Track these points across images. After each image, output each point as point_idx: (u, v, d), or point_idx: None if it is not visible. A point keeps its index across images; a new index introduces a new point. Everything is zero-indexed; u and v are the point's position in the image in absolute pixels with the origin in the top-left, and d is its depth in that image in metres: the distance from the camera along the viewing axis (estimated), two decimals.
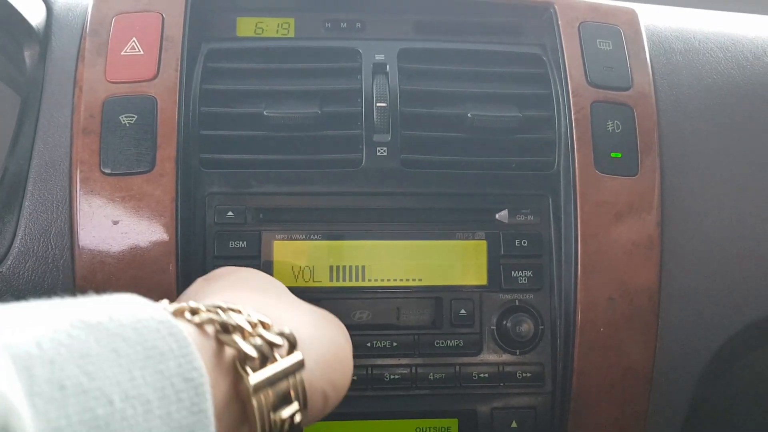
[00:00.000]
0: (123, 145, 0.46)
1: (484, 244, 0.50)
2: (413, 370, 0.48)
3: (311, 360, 0.32)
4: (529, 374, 0.49)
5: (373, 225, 0.49)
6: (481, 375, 0.49)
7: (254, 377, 0.28)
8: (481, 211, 0.50)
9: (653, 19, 0.58)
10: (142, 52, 0.48)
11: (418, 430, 0.49)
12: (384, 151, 0.49)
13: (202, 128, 0.48)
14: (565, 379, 0.48)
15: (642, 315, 0.49)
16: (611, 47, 0.53)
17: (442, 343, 0.49)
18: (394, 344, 0.48)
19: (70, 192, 0.46)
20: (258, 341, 0.29)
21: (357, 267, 0.49)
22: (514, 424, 0.49)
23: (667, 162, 0.52)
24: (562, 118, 0.51)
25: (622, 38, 0.54)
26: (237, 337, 0.29)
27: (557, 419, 0.49)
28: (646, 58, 0.53)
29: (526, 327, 0.48)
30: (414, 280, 0.49)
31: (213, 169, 0.48)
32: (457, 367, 0.48)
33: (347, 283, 0.48)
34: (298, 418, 0.30)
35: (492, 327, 0.49)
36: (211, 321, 0.29)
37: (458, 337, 0.49)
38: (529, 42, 0.55)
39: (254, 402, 0.28)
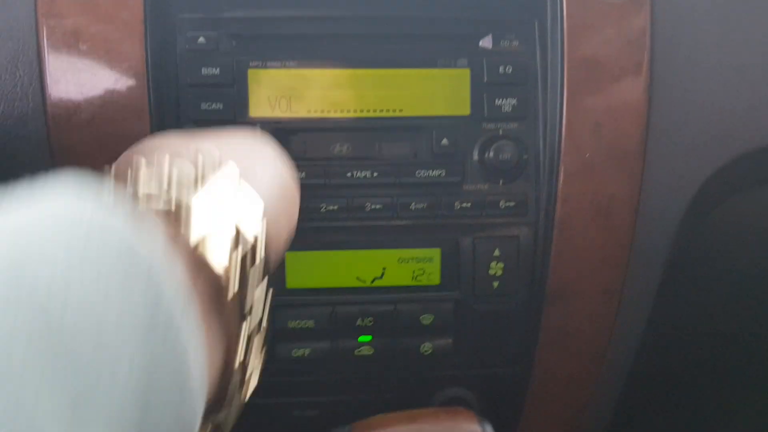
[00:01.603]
0: None
1: (467, 72, 0.48)
2: (394, 200, 0.48)
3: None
4: (512, 203, 0.48)
5: (352, 52, 0.47)
6: (464, 205, 0.48)
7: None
8: (463, 37, 0.48)
9: None
10: None
11: (400, 260, 0.49)
12: None
13: None
14: (549, 206, 0.48)
15: (629, 141, 0.48)
16: None
17: (424, 173, 0.48)
18: (375, 174, 0.48)
19: (36, 17, 0.44)
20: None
21: (335, 96, 0.47)
22: (496, 252, 0.49)
23: None
24: None
25: None
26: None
27: (540, 247, 0.49)
28: None
29: (510, 156, 0.47)
30: (394, 110, 0.48)
31: None
32: (439, 197, 0.48)
33: (326, 114, 0.47)
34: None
35: (474, 157, 0.48)
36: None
37: (440, 167, 0.48)
38: None
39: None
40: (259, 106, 0.47)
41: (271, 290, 0.31)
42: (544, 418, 0.54)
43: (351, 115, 0.47)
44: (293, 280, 0.48)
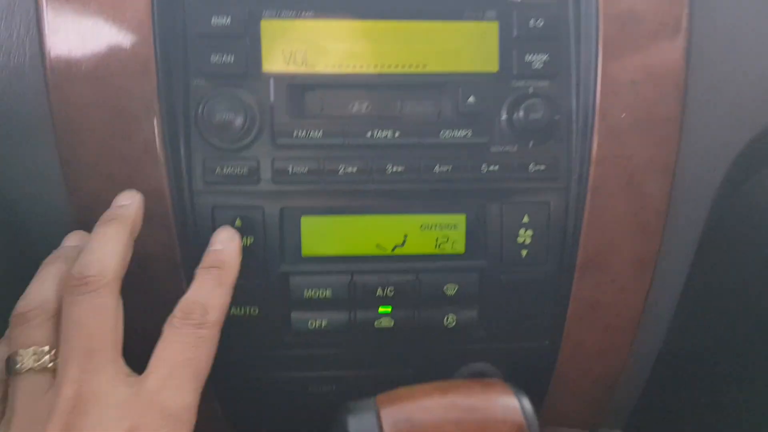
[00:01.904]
0: None
1: (495, 25, 0.45)
2: (417, 162, 0.45)
3: None
4: (542, 167, 0.45)
5: (372, 2, 0.44)
6: (491, 168, 0.45)
7: None
8: None
9: None
10: None
11: (423, 227, 0.46)
12: None
13: None
14: (582, 170, 0.45)
15: (666, 102, 0.45)
16: None
17: (449, 133, 0.45)
18: (396, 134, 0.44)
19: None
20: None
21: (354, 50, 0.44)
22: (525, 219, 0.46)
23: None
24: None
25: None
26: None
27: (572, 214, 0.46)
28: None
29: (540, 115, 0.44)
30: (417, 66, 0.45)
31: None
32: (465, 159, 0.45)
33: (344, 69, 0.44)
34: None
35: (503, 117, 0.45)
36: None
37: (466, 127, 0.45)
38: None
39: None
40: (273, 60, 0.44)
41: None
42: (571, 393, 0.52)
43: (371, 70, 0.44)
44: (309, 248, 0.46)
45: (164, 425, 0.34)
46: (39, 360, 0.35)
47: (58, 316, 0.36)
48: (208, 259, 0.41)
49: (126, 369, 0.35)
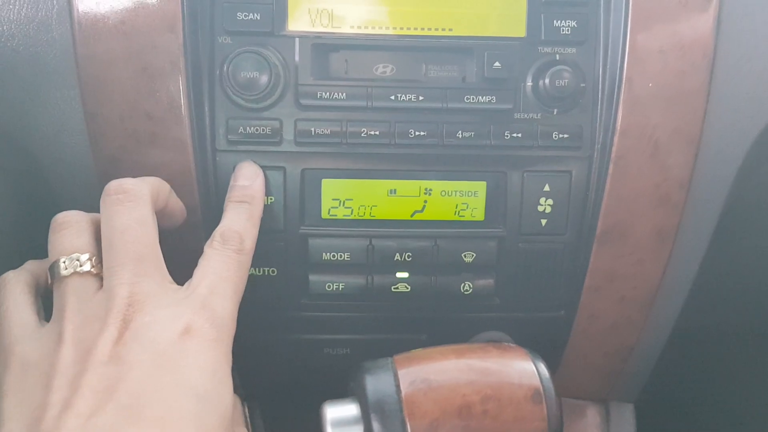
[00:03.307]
0: None
1: None
2: (440, 127, 0.45)
3: None
4: (566, 135, 0.45)
5: None
6: (514, 135, 0.45)
7: None
8: None
9: None
10: None
11: (443, 193, 0.46)
12: None
13: None
14: (606, 140, 0.45)
15: (694, 72, 0.44)
16: None
17: (473, 99, 0.44)
18: (420, 98, 0.44)
19: None
20: None
21: (380, 11, 0.44)
22: (546, 188, 0.46)
23: None
24: None
25: None
26: None
27: (594, 184, 0.46)
28: None
29: (566, 83, 0.44)
30: (443, 29, 0.44)
31: None
32: (488, 125, 0.45)
33: (368, 30, 0.44)
34: None
35: (528, 83, 0.45)
36: None
37: (491, 92, 0.44)
38: None
39: None
40: (299, 19, 0.43)
41: None
42: (585, 365, 0.52)
43: (397, 32, 0.44)
44: (329, 210, 0.46)
45: (213, 328, 0.35)
46: (81, 264, 0.36)
47: (94, 227, 0.38)
48: (236, 194, 0.43)
49: (170, 277, 0.37)
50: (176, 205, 0.42)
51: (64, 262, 0.36)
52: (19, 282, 0.38)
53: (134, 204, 0.37)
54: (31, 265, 0.40)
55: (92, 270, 0.36)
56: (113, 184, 0.37)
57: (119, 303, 0.34)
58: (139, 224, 0.36)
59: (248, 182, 0.43)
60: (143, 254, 0.36)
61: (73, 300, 0.35)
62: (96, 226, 0.38)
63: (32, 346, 0.34)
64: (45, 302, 0.38)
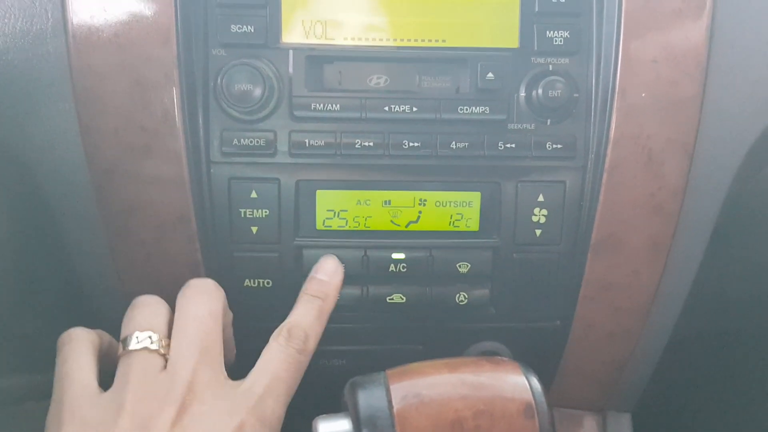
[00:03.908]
0: None
1: (516, 0, 0.44)
2: (433, 138, 0.45)
3: None
4: (559, 145, 0.45)
5: None
6: (508, 145, 0.45)
7: None
8: None
9: None
10: None
11: (438, 203, 0.46)
12: None
13: None
14: (599, 150, 0.45)
15: (687, 81, 0.44)
16: None
17: (467, 109, 0.45)
18: (414, 109, 0.44)
19: None
20: None
21: (374, 23, 0.44)
22: (540, 198, 0.46)
23: None
24: None
25: None
26: None
27: (588, 194, 0.46)
28: None
29: (559, 93, 0.44)
30: (436, 40, 0.44)
31: None
32: (482, 136, 0.45)
33: (362, 42, 0.44)
34: None
35: (521, 94, 0.45)
36: None
37: (484, 103, 0.45)
38: None
39: None
40: (293, 31, 0.44)
41: None
42: (581, 375, 0.52)
43: (390, 43, 0.44)
44: (323, 221, 0.46)
45: (264, 429, 0.37)
46: (152, 342, 0.38)
47: (168, 313, 0.40)
48: (313, 287, 0.44)
49: (225, 371, 0.39)
50: (229, 317, 0.43)
51: (137, 337, 0.38)
52: (84, 341, 0.39)
53: (210, 299, 0.40)
54: (98, 333, 0.41)
55: (160, 350, 0.38)
56: (196, 281, 0.41)
57: (180, 386, 0.36)
58: (211, 318, 0.39)
59: (327, 278, 0.44)
60: (209, 346, 0.38)
61: (137, 373, 0.37)
62: (170, 312, 0.40)
63: (92, 410, 0.36)
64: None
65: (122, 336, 0.39)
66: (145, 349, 0.37)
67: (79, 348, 0.39)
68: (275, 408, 0.38)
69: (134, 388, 0.36)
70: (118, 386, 0.37)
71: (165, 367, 0.37)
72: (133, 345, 0.38)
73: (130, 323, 0.39)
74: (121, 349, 0.38)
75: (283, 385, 0.39)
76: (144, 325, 0.39)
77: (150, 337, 0.38)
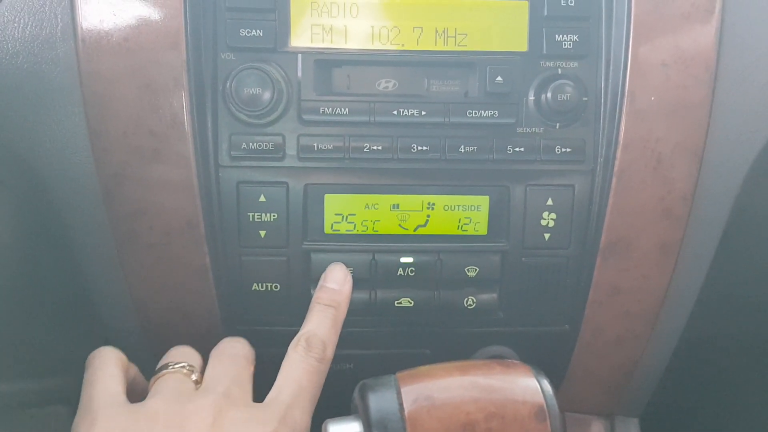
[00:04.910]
0: None
1: (525, 4, 0.44)
2: (442, 141, 0.45)
3: None
4: (568, 149, 0.45)
5: None
6: (517, 149, 0.45)
7: None
8: None
9: None
10: None
11: (446, 207, 0.46)
12: None
13: None
14: (608, 153, 0.45)
15: (697, 85, 0.44)
16: None
17: (475, 113, 0.45)
18: (423, 113, 0.44)
19: None
20: None
21: (381, 26, 0.44)
22: (549, 202, 0.46)
23: None
24: None
25: None
26: None
27: (597, 198, 0.46)
28: None
29: (568, 97, 0.44)
30: (445, 44, 0.44)
31: None
32: (491, 139, 0.45)
33: (371, 46, 0.44)
34: None
35: (530, 97, 0.45)
36: None
37: (493, 107, 0.45)
38: None
39: None
40: (302, 35, 0.44)
41: None
42: (589, 380, 0.52)
43: (399, 47, 0.44)
44: (332, 225, 0.46)
45: None
46: (185, 370, 0.39)
47: (204, 363, 0.42)
48: (325, 296, 0.44)
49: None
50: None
51: (173, 365, 0.39)
52: (113, 357, 0.40)
53: (243, 346, 0.42)
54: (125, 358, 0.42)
55: (194, 377, 0.39)
56: (230, 338, 0.43)
57: (216, 395, 0.37)
58: (245, 358, 0.41)
59: (337, 286, 0.44)
60: (241, 378, 0.39)
61: (172, 385, 0.38)
62: (203, 358, 0.42)
63: (124, 416, 0.36)
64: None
65: (157, 368, 0.40)
66: (180, 371, 0.39)
67: (106, 360, 0.40)
68: (302, 417, 0.38)
69: (168, 395, 0.37)
70: (153, 396, 0.37)
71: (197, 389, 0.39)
72: (168, 370, 0.39)
73: (164, 359, 0.41)
74: (155, 374, 0.39)
75: (308, 394, 0.39)
76: (180, 360, 0.40)
77: (184, 366, 0.39)
